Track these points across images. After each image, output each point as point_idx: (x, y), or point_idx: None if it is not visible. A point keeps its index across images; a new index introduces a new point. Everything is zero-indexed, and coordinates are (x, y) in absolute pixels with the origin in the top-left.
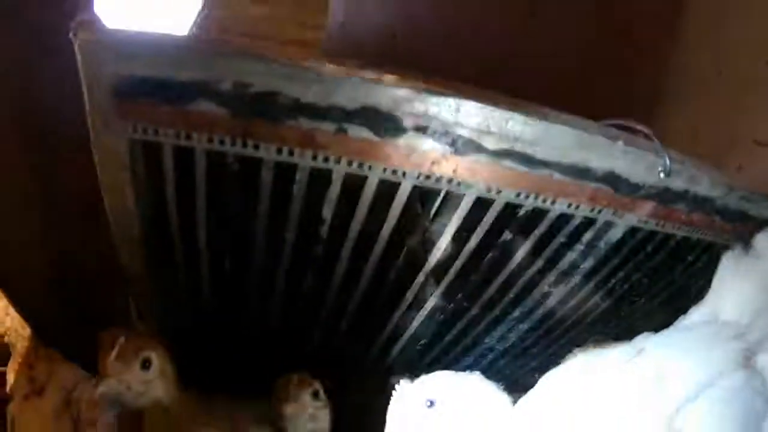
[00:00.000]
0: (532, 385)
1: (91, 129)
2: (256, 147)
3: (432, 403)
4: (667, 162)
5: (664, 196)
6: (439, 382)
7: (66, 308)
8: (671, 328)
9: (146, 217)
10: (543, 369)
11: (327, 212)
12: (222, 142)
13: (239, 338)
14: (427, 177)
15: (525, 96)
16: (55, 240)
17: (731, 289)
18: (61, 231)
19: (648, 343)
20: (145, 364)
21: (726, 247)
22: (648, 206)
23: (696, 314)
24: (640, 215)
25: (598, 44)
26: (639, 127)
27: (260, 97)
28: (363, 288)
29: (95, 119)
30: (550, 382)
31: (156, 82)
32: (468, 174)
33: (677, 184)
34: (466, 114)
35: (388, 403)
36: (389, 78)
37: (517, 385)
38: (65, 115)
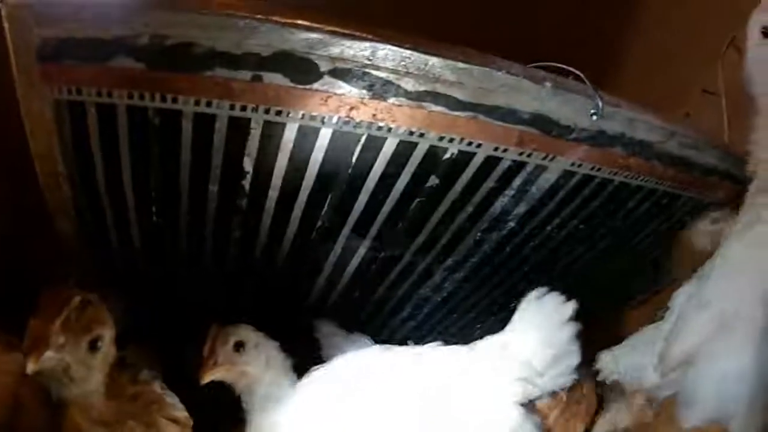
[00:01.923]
0: (473, 337)
1: (19, 96)
2: (175, 100)
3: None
4: (600, 104)
5: (598, 140)
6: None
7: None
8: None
9: (75, 179)
10: (483, 319)
11: (249, 162)
12: (142, 97)
13: (174, 294)
14: (347, 122)
15: (469, 43)
16: None
17: (530, 334)
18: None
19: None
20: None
21: (668, 195)
22: (581, 150)
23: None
24: (572, 159)
25: None
26: (570, 69)
27: (176, 48)
28: (290, 240)
29: (23, 85)
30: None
31: (76, 41)
32: (388, 118)
33: (612, 127)
34: (383, 56)
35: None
36: (302, 22)
37: (458, 335)
38: None
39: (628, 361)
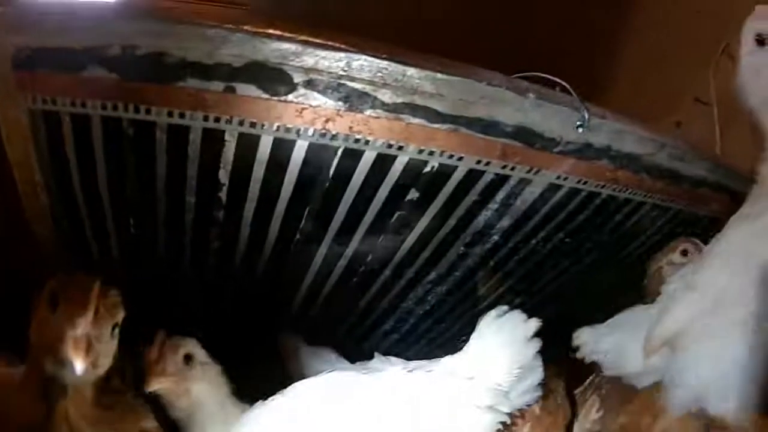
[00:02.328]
0: (456, 348)
1: None
2: (148, 111)
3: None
4: (586, 116)
5: (584, 152)
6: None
7: None
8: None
9: (52, 188)
10: (468, 331)
11: (224, 174)
12: (115, 108)
13: (153, 303)
14: (323, 134)
15: (460, 51)
16: None
17: (493, 354)
18: None
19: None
20: None
21: (657, 207)
22: (567, 163)
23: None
24: (558, 172)
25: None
26: (556, 79)
27: (148, 58)
28: (269, 252)
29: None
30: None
31: (49, 51)
32: (365, 130)
33: (599, 139)
34: (358, 67)
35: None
36: (275, 31)
37: (443, 347)
38: None
39: (611, 340)
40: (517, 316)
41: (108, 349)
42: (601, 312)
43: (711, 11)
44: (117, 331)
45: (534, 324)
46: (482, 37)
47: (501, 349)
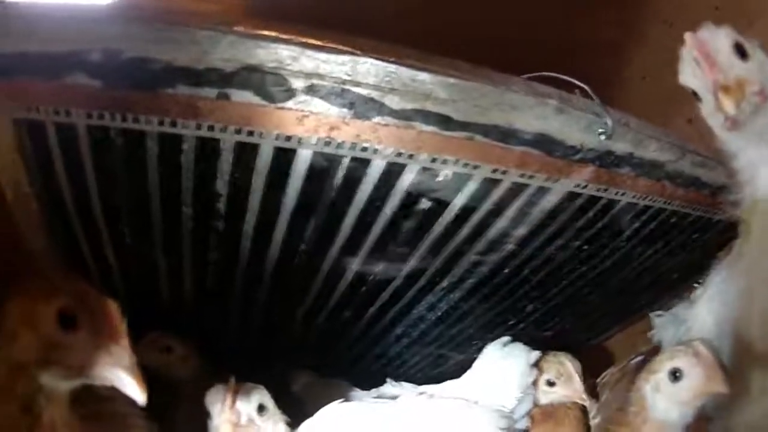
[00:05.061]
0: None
1: None
2: (136, 120)
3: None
4: (609, 123)
5: (605, 160)
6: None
7: None
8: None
9: (42, 198)
10: (482, 335)
11: (222, 184)
12: (101, 117)
13: (149, 317)
14: (327, 143)
15: (472, 57)
16: None
17: (498, 379)
18: None
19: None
20: None
21: (676, 214)
22: (587, 171)
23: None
24: (577, 180)
25: None
26: (575, 81)
27: (132, 63)
28: (272, 263)
29: None
30: None
31: (28, 57)
32: (373, 138)
33: (621, 146)
34: (364, 72)
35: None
36: (270, 33)
37: (456, 350)
38: None
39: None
40: (521, 346)
41: None
42: (615, 319)
43: (723, 9)
44: None
45: (535, 354)
46: (487, 38)
47: (506, 375)
